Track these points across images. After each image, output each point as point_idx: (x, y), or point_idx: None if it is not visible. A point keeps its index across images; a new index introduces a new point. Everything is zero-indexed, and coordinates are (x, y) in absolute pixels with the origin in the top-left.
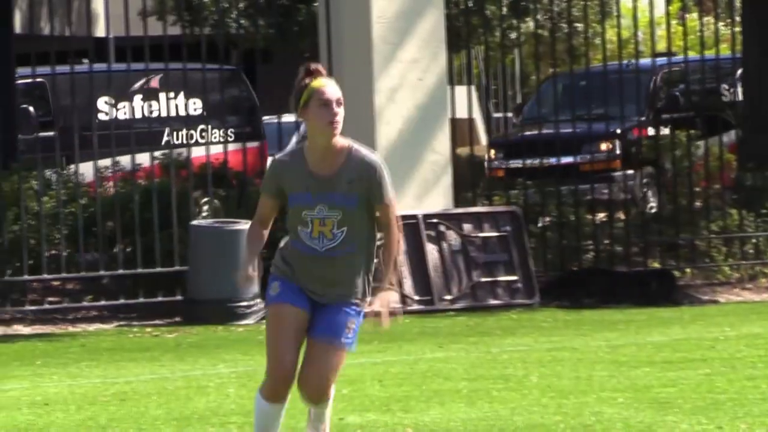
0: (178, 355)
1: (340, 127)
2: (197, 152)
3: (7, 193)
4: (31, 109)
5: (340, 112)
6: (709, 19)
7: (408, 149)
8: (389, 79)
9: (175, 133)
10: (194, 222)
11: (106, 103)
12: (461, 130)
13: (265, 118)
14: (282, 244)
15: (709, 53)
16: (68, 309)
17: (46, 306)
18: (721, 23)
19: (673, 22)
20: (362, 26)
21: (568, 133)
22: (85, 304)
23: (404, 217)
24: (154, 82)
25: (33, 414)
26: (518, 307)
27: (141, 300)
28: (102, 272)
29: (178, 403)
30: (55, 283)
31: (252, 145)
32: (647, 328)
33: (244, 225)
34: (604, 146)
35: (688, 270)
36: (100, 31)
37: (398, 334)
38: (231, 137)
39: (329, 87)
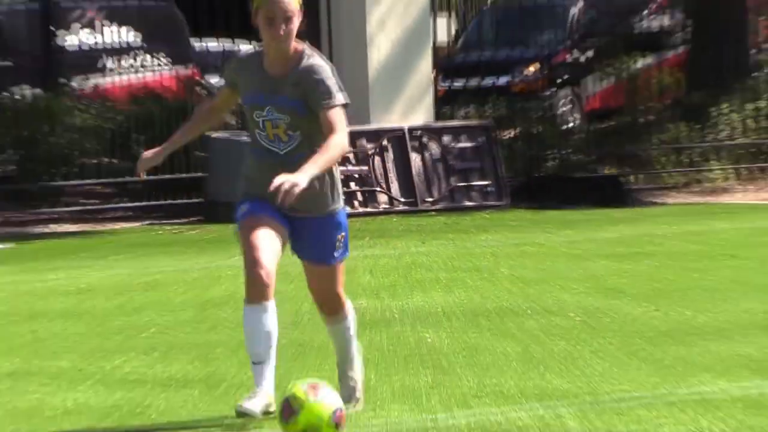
0: (198, 250)
1: (287, 41)
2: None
3: (48, 110)
4: None
5: (288, 28)
6: None
7: (395, 71)
8: (379, 9)
9: (114, 60)
10: (212, 134)
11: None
12: (442, 55)
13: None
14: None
15: None
16: (102, 210)
17: (83, 207)
18: None
19: None
20: None
21: (492, 56)
22: (116, 205)
23: (392, 130)
24: (93, 14)
25: (72, 301)
26: (490, 208)
27: (166, 202)
28: (130, 178)
29: (197, 290)
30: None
31: (183, 69)
32: (601, 226)
33: None
34: (531, 68)
35: (640, 176)
36: None
37: (386, 231)
38: (165, 63)
39: (279, 2)
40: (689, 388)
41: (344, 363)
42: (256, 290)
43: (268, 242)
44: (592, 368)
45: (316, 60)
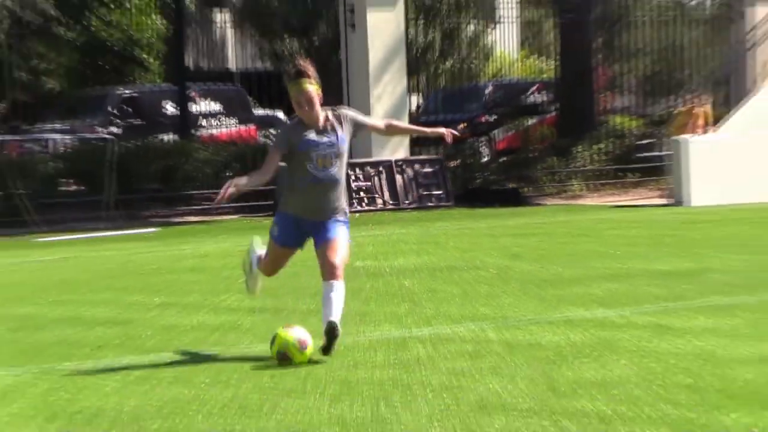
0: None
1: (311, 113)
2: (223, 130)
3: (183, 149)
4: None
5: (310, 106)
6: (535, 60)
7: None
8: (378, 89)
9: (207, 120)
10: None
11: (170, 105)
12: (413, 117)
13: (259, 111)
14: (284, 195)
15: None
16: (215, 208)
17: (203, 207)
18: (543, 63)
19: (520, 63)
20: (363, 64)
21: (441, 119)
22: (223, 205)
23: (385, 161)
24: (196, 94)
25: (196, 261)
26: (442, 208)
27: (251, 203)
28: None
29: None
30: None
31: (248, 126)
32: (507, 218)
33: None
34: (463, 125)
35: (530, 188)
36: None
37: (381, 221)
38: (236, 123)
39: (302, 92)
40: (562, 314)
41: (328, 317)
42: (268, 276)
43: (283, 264)
44: (503, 302)
45: (339, 108)
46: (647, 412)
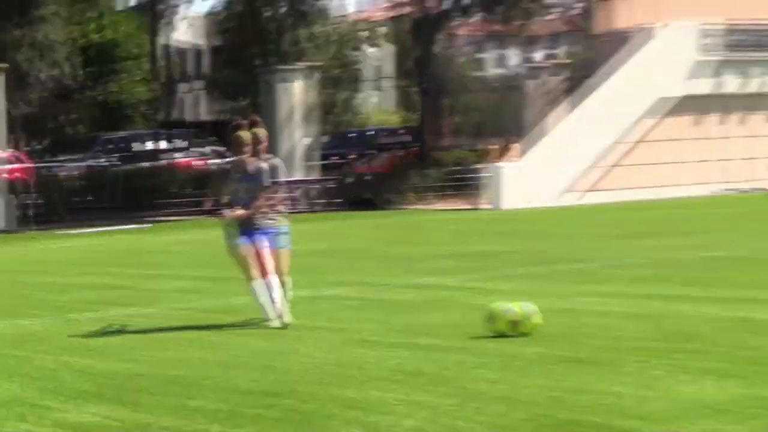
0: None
1: (245, 154)
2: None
3: (155, 173)
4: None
5: (244, 148)
6: (404, 113)
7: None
8: (300, 132)
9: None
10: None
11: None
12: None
13: (208, 148)
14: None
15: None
16: (189, 211)
17: (180, 209)
18: (409, 115)
19: (394, 116)
20: (291, 116)
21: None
22: (194, 209)
23: (302, 180)
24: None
25: (177, 246)
26: (340, 210)
27: (212, 208)
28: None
29: None
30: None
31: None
32: (383, 217)
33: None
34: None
35: (398, 197)
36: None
37: (300, 220)
38: (215, 154)
39: (238, 138)
40: (415, 280)
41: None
42: (255, 271)
43: (253, 253)
44: (379, 272)
45: (261, 164)
46: (462, 344)
